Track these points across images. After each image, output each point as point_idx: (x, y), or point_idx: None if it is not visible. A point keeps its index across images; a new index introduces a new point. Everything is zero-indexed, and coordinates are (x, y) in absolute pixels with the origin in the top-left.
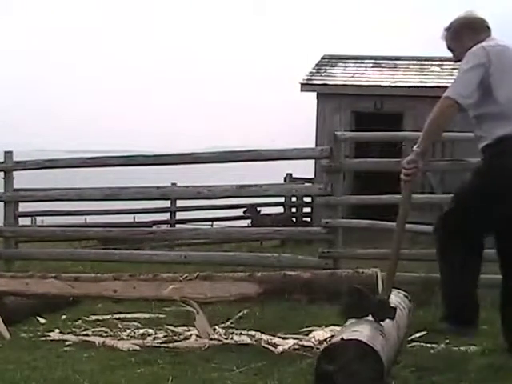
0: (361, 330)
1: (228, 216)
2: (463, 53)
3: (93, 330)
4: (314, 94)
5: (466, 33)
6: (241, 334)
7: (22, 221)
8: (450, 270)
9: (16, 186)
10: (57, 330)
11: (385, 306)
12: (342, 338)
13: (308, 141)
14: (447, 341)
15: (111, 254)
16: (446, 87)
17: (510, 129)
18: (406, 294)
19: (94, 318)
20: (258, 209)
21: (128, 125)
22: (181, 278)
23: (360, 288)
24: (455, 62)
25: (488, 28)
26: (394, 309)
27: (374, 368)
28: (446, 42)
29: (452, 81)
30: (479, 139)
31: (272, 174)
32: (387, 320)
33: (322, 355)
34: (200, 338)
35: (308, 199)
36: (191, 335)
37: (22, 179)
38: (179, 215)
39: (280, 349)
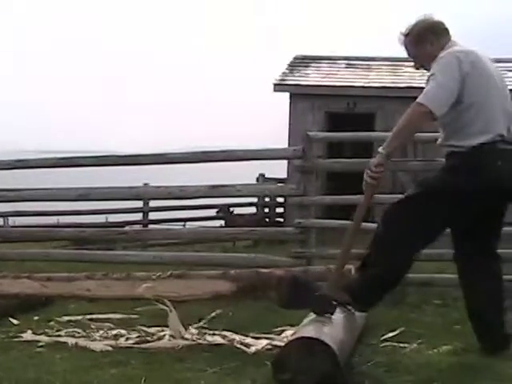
0: (299, 330)
1: (201, 216)
2: (427, 58)
3: (65, 330)
4: (287, 94)
5: (429, 38)
6: (214, 334)
7: None
8: (389, 262)
9: None
10: (29, 331)
11: (325, 301)
12: (284, 345)
13: (281, 141)
14: (419, 340)
15: (84, 255)
16: (419, 88)
17: (484, 138)
18: None
19: (66, 318)
20: (231, 209)
21: (111, 126)
22: (154, 277)
23: (299, 279)
24: (417, 68)
25: (447, 31)
26: (335, 306)
27: (324, 355)
28: (407, 49)
29: (424, 84)
30: (446, 145)
31: (245, 174)
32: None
33: (274, 369)
34: (173, 338)
35: (281, 199)
36: (164, 336)
37: None
38: (152, 215)
39: (253, 349)
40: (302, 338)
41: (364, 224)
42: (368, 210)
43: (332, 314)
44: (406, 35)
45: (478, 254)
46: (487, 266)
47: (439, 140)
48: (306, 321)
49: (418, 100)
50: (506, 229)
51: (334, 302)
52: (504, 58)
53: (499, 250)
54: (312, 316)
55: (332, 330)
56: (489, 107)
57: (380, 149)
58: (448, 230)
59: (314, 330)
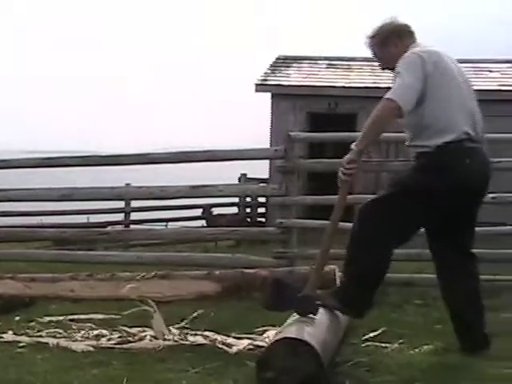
0: (284, 330)
1: (183, 216)
2: (392, 60)
3: (47, 331)
4: (269, 94)
5: (393, 40)
6: (195, 334)
7: None
8: (366, 259)
9: None
10: (10, 332)
11: (308, 302)
12: (268, 344)
13: (263, 141)
14: (401, 340)
15: (64, 255)
16: None
17: (449, 137)
18: None
19: (48, 319)
20: (211, 209)
21: (111, 125)
22: (138, 278)
23: (282, 280)
24: (383, 69)
25: (412, 33)
26: (317, 306)
27: (308, 355)
28: (372, 50)
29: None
30: (413, 146)
31: (226, 174)
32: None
33: (258, 368)
34: (155, 338)
35: (263, 199)
36: (146, 336)
37: None
38: (134, 216)
39: (235, 349)
40: (286, 338)
41: (343, 224)
42: (347, 209)
43: (315, 314)
44: (372, 37)
45: (453, 254)
46: (463, 265)
47: (407, 142)
48: (289, 321)
49: (387, 96)
50: (481, 229)
51: (318, 303)
52: (476, 59)
53: (475, 250)
54: (295, 316)
55: (316, 330)
56: (450, 107)
57: (352, 145)
58: (422, 230)
59: (298, 330)
